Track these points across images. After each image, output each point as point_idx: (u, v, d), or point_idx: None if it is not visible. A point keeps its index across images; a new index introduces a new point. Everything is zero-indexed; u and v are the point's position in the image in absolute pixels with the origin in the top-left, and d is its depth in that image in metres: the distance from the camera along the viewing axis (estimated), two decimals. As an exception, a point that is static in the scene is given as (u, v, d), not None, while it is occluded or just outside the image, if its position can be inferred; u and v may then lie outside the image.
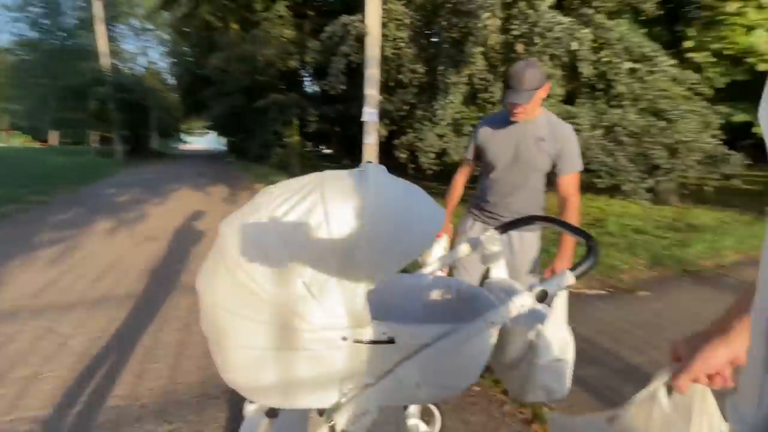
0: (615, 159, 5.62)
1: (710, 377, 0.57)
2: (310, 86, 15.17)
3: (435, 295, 1.24)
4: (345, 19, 5.75)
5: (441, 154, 5.99)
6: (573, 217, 1.67)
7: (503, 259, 1.27)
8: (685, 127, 5.58)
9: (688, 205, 8.09)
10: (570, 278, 0.91)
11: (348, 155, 14.82)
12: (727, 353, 0.56)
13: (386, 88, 6.46)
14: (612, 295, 3.51)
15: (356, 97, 6.97)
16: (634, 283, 3.94)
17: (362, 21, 5.75)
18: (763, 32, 5.81)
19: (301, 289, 0.72)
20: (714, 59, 6.25)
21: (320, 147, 19.06)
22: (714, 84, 6.27)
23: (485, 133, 1.82)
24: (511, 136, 1.73)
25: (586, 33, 5.00)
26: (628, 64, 5.62)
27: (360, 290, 0.73)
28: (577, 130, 5.29)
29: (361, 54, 5.96)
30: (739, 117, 7.19)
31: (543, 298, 0.89)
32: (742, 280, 4.16)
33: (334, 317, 0.74)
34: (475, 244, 1.28)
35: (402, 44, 5.70)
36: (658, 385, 0.62)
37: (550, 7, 4.91)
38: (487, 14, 4.42)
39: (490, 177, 1.82)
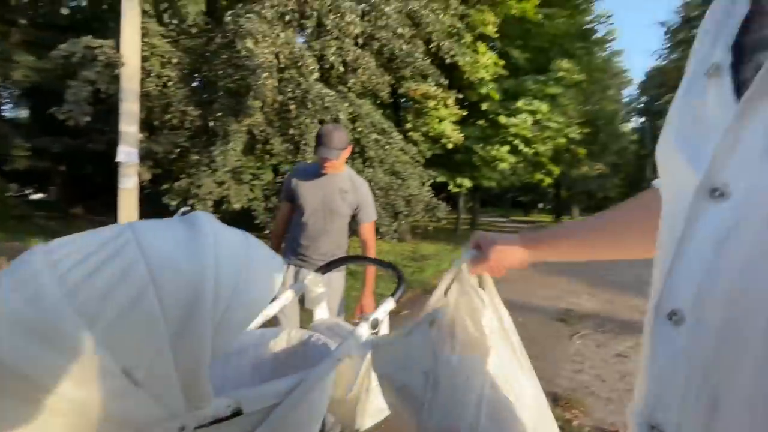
0: (373, 207, 6.99)
1: (493, 268, 0.70)
2: (12, 110, 11.18)
3: (266, 349, 1.15)
4: (90, 41, 4.81)
5: (220, 202, 5.70)
6: (372, 253, 2.05)
7: (325, 299, 1.44)
8: (413, 184, 7.58)
9: (418, 240, 10.80)
10: (392, 304, 1.17)
11: (79, 202, 11.53)
12: (521, 256, 0.69)
13: (149, 128, 5.68)
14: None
15: (96, 131, 5.72)
16: (397, 306, 4.91)
17: (114, 48, 4.97)
18: (448, 123, 8.80)
19: (118, 378, 0.54)
20: (423, 138, 8.90)
21: (27, 191, 13.98)
22: (425, 155, 8.87)
23: (297, 180, 2.03)
24: (319, 186, 1.98)
25: (346, 106, 6.15)
26: (374, 135, 7.23)
27: (201, 363, 0.59)
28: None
29: (111, 84, 5.07)
30: (440, 178, 10.40)
31: (376, 325, 1.10)
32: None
33: (167, 405, 0.59)
34: (299, 289, 1.40)
35: (170, 83, 5.25)
36: (463, 268, 0.73)
37: (316, 80, 5.80)
38: (265, 74, 4.78)
39: (302, 221, 2.02)
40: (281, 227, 2.17)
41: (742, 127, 0.29)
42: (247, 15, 4.71)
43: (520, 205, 38.74)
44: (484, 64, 8.74)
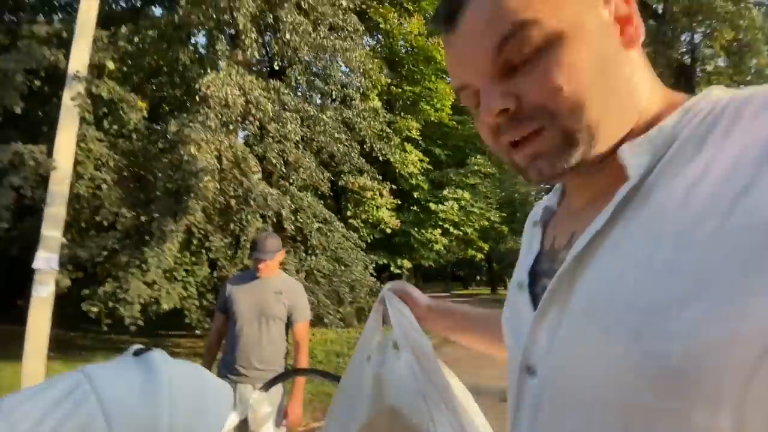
0: (316, 296, 6.94)
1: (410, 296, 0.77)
2: None
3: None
4: (19, 147, 4.71)
5: (148, 304, 5.32)
6: (305, 355, 2.12)
7: (271, 418, 1.48)
8: (356, 269, 7.78)
9: (364, 325, 10.64)
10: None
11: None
12: (425, 305, 0.75)
13: (74, 230, 5.37)
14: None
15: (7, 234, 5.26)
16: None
17: (45, 154, 4.88)
18: (386, 210, 9.46)
19: None
20: (363, 224, 9.39)
21: None
22: (366, 240, 9.27)
23: (232, 287, 2.12)
24: (254, 291, 2.08)
25: (288, 202, 6.45)
26: (317, 224, 7.51)
27: None
28: (288, 274, 6.22)
29: (36, 189, 4.87)
30: (382, 261, 10.76)
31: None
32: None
33: None
34: (243, 411, 1.44)
35: (104, 186, 5.17)
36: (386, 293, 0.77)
37: (259, 179, 6.11)
38: (207, 177, 4.97)
39: (237, 330, 2.04)
40: (215, 340, 2.18)
41: (538, 327, 0.40)
42: (191, 124, 5.02)
43: (458, 278, 40.31)
44: (411, 160, 9.86)
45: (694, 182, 0.31)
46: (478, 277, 39.24)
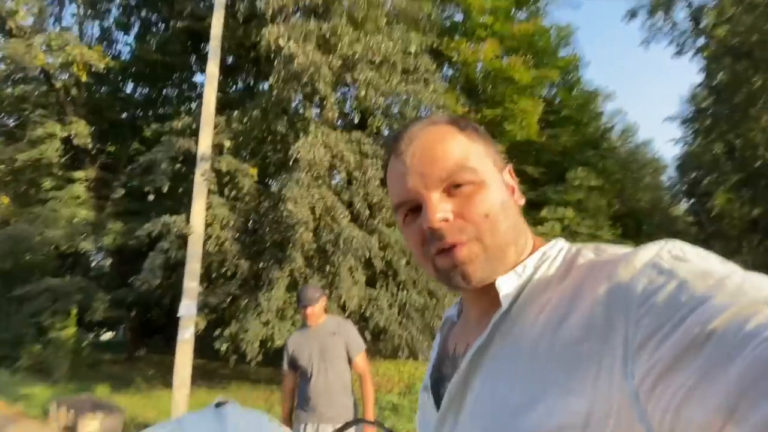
0: (409, 331, 7.07)
1: None
2: (97, 267, 13.16)
3: None
4: (167, 219, 6.06)
5: (265, 341, 6.14)
6: (370, 386, 2.31)
7: None
8: (449, 303, 7.71)
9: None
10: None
11: (142, 343, 12.54)
12: None
13: (206, 280, 6.58)
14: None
15: (162, 284, 6.74)
16: None
17: (185, 221, 6.18)
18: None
19: None
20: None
21: (100, 333, 15.37)
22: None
23: (292, 344, 2.38)
24: (312, 339, 2.33)
25: (374, 239, 6.86)
26: (405, 259, 7.74)
27: None
28: (381, 309, 6.44)
29: (179, 250, 6.16)
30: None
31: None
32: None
33: None
34: None
35: (226, 242, 6.27)
36: None
37: (349, 222, 6.67)
38: (302, 228, 5.66)
39: (308, 378, 2.28)
40: (289, 396, 2.42)
41: (440, 428, 0.49)
42: (288, 184, 5.85)
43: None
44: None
45: (539, 311, 0.42)
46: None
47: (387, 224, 8.21)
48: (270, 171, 7.88)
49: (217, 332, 6.14)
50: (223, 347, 5.94)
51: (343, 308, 6.73)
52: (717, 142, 15.57)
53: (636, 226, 15.84)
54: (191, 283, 5.90)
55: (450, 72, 11.20)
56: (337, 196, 6.66)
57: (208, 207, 6.16)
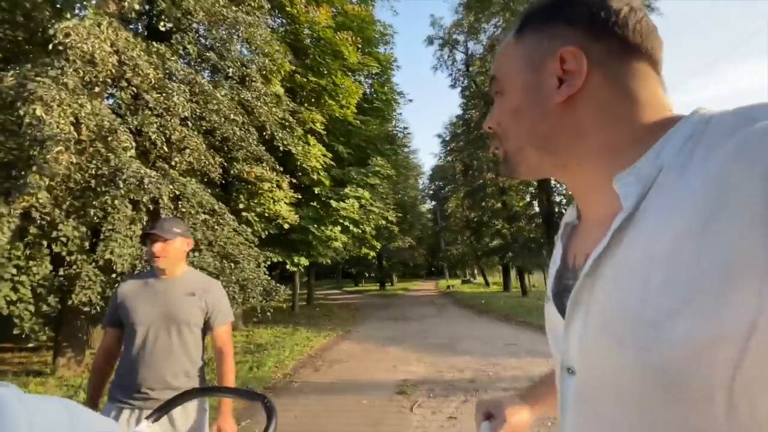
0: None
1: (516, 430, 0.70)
2: None
3: None
4: None
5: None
6: (231, 365, 1.75)
7: None
8: (248, 267, 7.14)
9: (251, 326, 9.87)
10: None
11: None
12: (528, 416, 0.70)
13: None
14: None
15: None
16: (235, 415, 4.22)
17: None
18: (284, 204, 8.92)
19: None
20: (258, 218, 8.70)
21: None
22: (260, 235, 8.62)
23: (128, 292, 1.67)
24: (157, 292, 1.67)
25: (169, 187, 5.52)
26: (203, 216, 6.64)
27: None
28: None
29: None
30: (276, 257, 10.15)
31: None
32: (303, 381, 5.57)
33: None
34: None
35: None
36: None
37: (132, 157, 5.09)
38: (59, 147, 3.89)
39: (136, 345, 1.63)
40: (103, 361, 1.70)
41: (569, 333, 0.46)
42: (39, 78, 3.87)
43: (349, 275, 40.86)
44: (314, 154, 9.54)
45: (676, 207, 0.36)
46: (366, 274, 40.47)
47: (182, 172, 6.83)
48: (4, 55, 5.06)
49: None
50: None
51: (108, 270, 5.13)
52: (458, 161, 21.22)
53: (404, 214, 19.66)
54: None
55: (276, 24, 10.30)
56: (120, 118, 4.95)
57: None
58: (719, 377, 0.33)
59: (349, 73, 10.91)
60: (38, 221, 4.26)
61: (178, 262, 1.71)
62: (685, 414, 0.35)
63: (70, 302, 4.67)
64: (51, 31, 3.95)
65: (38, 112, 3.70)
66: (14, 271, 4.58)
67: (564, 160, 0.48)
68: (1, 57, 4.63)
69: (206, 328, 1.76)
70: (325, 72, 10.22)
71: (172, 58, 5.50)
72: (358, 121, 11.61)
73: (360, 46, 11.18)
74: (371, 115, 12.90)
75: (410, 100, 18.37)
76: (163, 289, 1.68)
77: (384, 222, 11.96)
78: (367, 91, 13.78)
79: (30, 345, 6.25)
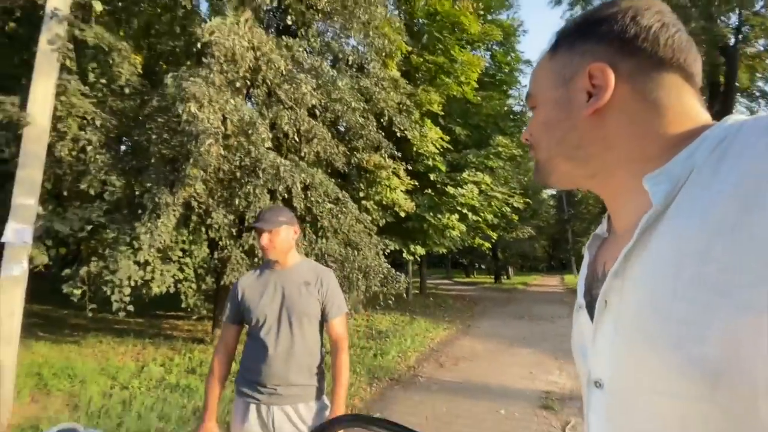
0: (327, 283, 6.29)
1: None
2: None
3: None
4: (-15, 97, 3.96)
5: (139, 287, 4.66)
6: (346, 360, 1.64)
7: None
8: (369, 254, 7.11)
9: (368, 311, 10.06)
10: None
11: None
12: None
13: (54, 199, 4.66)
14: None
15: None
16: (364, 407, 4.12)
17: (17, 105, 4.14)
18: (401, 192, 8.73)
19: None
20: (376, 206, 8.68)
21: None
22: (378, 223, 8.61)
23: (247, 287, 1.64)
24: (275, 285, 1.61)
25: (297, 175, 5.72)
26: (328, 205, 6.81)
27: None
28: (298, 259, 5.47)
29: (8, 147, 4.14)
30: (392, 246, 10.11)
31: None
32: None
33: None
34: None
35: (89, 147, 4.43)
36: None
37: (268, 149, 5.36)
38: (210, 140, 4.22)
39: (260, 339, 1.57)
40: (224, 361, 1.64)
41: (597, 339, 0.46)
42: (192, 78, 4.24)
43: (459, 266, 39.79)
44: (432, 138, 9.07)
45: (708, 205, 0.37)
46: (478, 265, 38.76)
47: (310, 163, 7.09)
48: (162, 67, 5.89)
49: (67, 272, 4.42)
50: (76, 292, 4.30)
51: (251, 253, 5.56)
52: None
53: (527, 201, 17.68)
54: (25, 200, 4.02)
55: (392, 5, 10.01)
56: (258, 112, 5.24)
57: (60, 93, 4.20)
58: (761, 374, 0.32)
59: (468, 46, 10.01)
60: (196, 210, 4.75)
61: (288, 252, 1.66)
62: (727, 414, 0.34)
63: (222, 282, 5.19)
64: (198, 31, 4.28)
65: (192, 109, 4.03)
66: (180, 254, 5.28)
67: (594, 170, 0.50)
68: (167, 69, 5.30)
69: (322, 319, 1.69)
70: (441, 49, 9.56)
71: (300, 50, 5.60)
72: (478, 98, 10.64)
73: (481, 12, 10.16)
74: (492, 90, 11.74)
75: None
76: (279, 281, 1.64)
77: (508, 209, 10.86)
78: (488, 63, 12.60)
79: (194, 317, 7.38)
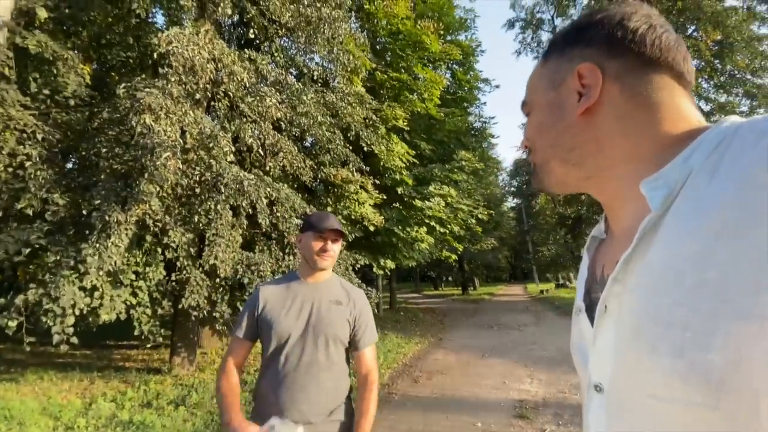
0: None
1: None
2: None
3: None
4: None
5: (85, 315, 4.23)
6: (375, 397, 1.39)
7: None
8: (339, 270, 6.95)
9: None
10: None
11: None
12: None
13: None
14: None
15: None
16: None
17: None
18: (369, 206, 8.69)
19: None
20: (344, 221, 8.57)
21: None
22: (347, 238, 8.47)
23: (271, 299, 1.37)
24: (304, 302, 1.37)
25: (262, 189, 5.53)
26: (295, 220, 6.63)
27: None
28: (261, 275, 5.24)
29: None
30: (362, 260, 9.98)
31: None
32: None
33: None
34: None
35: (28, 163, 4.04)
36: None
37: (231, 162, 5.15)
38: (167, 154, 3.98)
39: (279, 362, 1.32)
40: (234, 380, 1.35)
41: (597, 343, 0.45)
42: (147, 89, 4.01)
43: (427, 279, 40.08)
44: (398, 153, 9.17)
45: (707, 209, 0.36)
46: (445, 278, 39.24)
47: (276, 178, 6.90)
48: (113, 78, 5.55)
49: (1, 301, 3.93)
50: (11, 324, 3.82)
51: (212, 274, 5.25)
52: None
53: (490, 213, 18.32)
54: (-52, 221, 3.59)
55: (356, 25, 10.19)
56: (220, 125, 5.04)
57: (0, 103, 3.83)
58: (763, 381, 0.32)
59: (429, 64, 10.35)
60: (151, 228, 4.44)
61: (327, 269, 1.46)
62: (730, 421, 0.33)
63: (180, 305, 4.84)
64: (154, 41, 4.08)
65: (147, 120, 3.80)
66: (133, 276, 4.89)
67: (588, 172, 0.50)
68: (118, 80, 5.00)
69: (350, 346, 1.45)
70: (404, 66, 9.80)
71: (264, 63, 5.49)
72: (441, 114, 10.95)
73: (441, 33, 10.56)
74: (454, 107, 12.16)
75: (497, 86, 16.83)
76: (308, 296, 1.40)
77: (473, 221, 11.12)
78: (449, 81, 13.08)
79: (149, 345, 6.81)
